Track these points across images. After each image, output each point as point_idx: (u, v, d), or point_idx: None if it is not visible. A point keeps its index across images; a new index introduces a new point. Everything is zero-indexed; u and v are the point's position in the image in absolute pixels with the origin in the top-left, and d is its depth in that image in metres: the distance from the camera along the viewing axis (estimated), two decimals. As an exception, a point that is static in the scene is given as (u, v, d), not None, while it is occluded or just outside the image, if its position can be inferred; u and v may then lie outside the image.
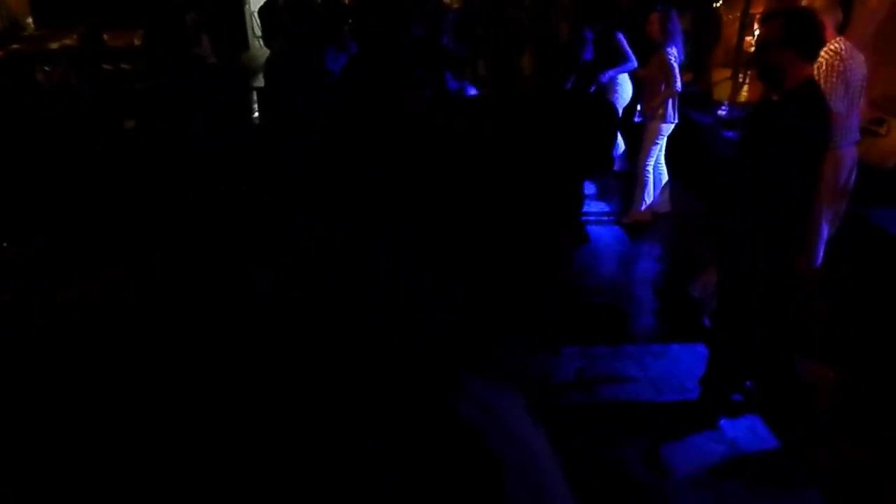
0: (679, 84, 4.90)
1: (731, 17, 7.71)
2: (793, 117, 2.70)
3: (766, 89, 3.12)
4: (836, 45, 2.89)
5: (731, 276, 3.19)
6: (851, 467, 2.86)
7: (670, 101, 4.97)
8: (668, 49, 4.85)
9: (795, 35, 2.64)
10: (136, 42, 7.54)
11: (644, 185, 5.34)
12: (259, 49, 8.16)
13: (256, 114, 6.85)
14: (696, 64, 7.22)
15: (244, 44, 8.61)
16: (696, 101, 6.48)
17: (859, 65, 3.00)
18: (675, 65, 4.85)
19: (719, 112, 6.28)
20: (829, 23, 2.85)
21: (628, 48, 5.71)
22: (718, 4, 7.92)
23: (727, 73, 7.26)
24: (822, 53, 2.85)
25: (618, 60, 5.79)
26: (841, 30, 5.42)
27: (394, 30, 5.71)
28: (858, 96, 3.06)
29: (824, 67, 2.88)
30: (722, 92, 7.02)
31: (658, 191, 5.41)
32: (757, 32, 2.92)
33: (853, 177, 3.48)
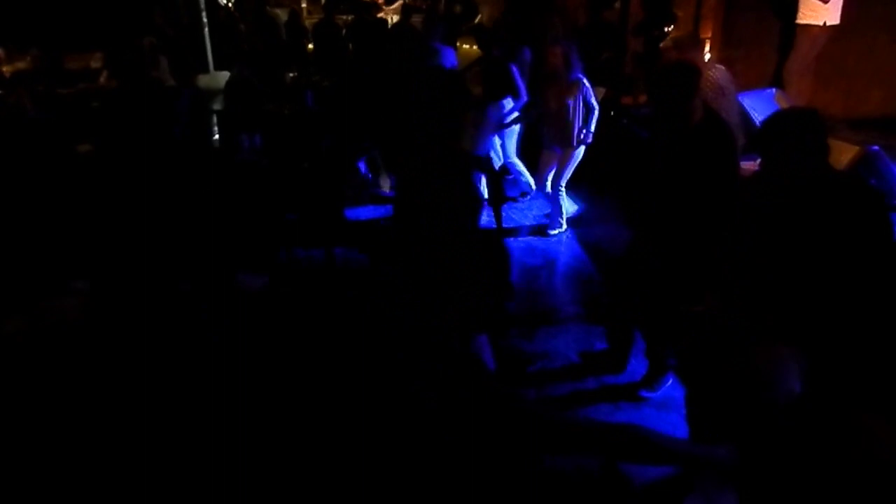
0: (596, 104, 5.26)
1: (681, 40, 7.99)
2: (704, 153, 3.07)
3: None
4: (709, 73, 3.41)
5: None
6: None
7: (594, 124, 5.29)
8: (580, 76, 5.12)
9: (695, 85, 3.09)
10: (93, 65, 7.46)
11: (561, 205, 5.65)
12: (219, 72, 8.14)
13: (217, 136, 6.83)
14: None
15: (203, 66, 8.57)
16: (648, 121, 6.68)
17: (726, 74, 3.48)
18: (590, 87, 5.16)
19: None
20: (697, 55, 3.36)
21: (521, 82, 5.85)
22: (669, 29, 8.20)
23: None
24: (701, 84, 3.27)
25: (509, 93, 5.89)
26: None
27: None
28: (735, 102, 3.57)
29: (710, 95, 3.30)
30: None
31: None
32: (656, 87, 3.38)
33: None
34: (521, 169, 6.34)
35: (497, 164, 6.28)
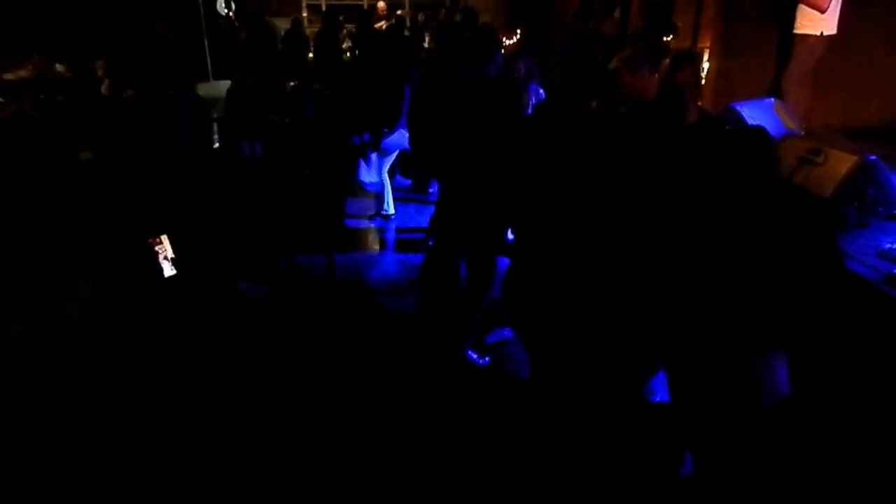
0: None
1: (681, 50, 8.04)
2: (701, 154, 2.99)
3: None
4: None
5: None
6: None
7: None
8: (536, 86, 5.51)
9: (699, 78, 3.04)
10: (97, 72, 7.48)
11: None
12: (218, 81, 8.18)
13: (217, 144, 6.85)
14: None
15: (202, 75, 8.61)
16: (643, 125, 6.71)
17: None
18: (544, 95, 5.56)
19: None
20: (651, 78, 3.57)
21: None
22: (669, 39, 8.24)
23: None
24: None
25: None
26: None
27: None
28: None
29: None
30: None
31: None
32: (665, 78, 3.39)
33: None
34: (388, 189, 6.62)
35: (369, 178, 6.51)
